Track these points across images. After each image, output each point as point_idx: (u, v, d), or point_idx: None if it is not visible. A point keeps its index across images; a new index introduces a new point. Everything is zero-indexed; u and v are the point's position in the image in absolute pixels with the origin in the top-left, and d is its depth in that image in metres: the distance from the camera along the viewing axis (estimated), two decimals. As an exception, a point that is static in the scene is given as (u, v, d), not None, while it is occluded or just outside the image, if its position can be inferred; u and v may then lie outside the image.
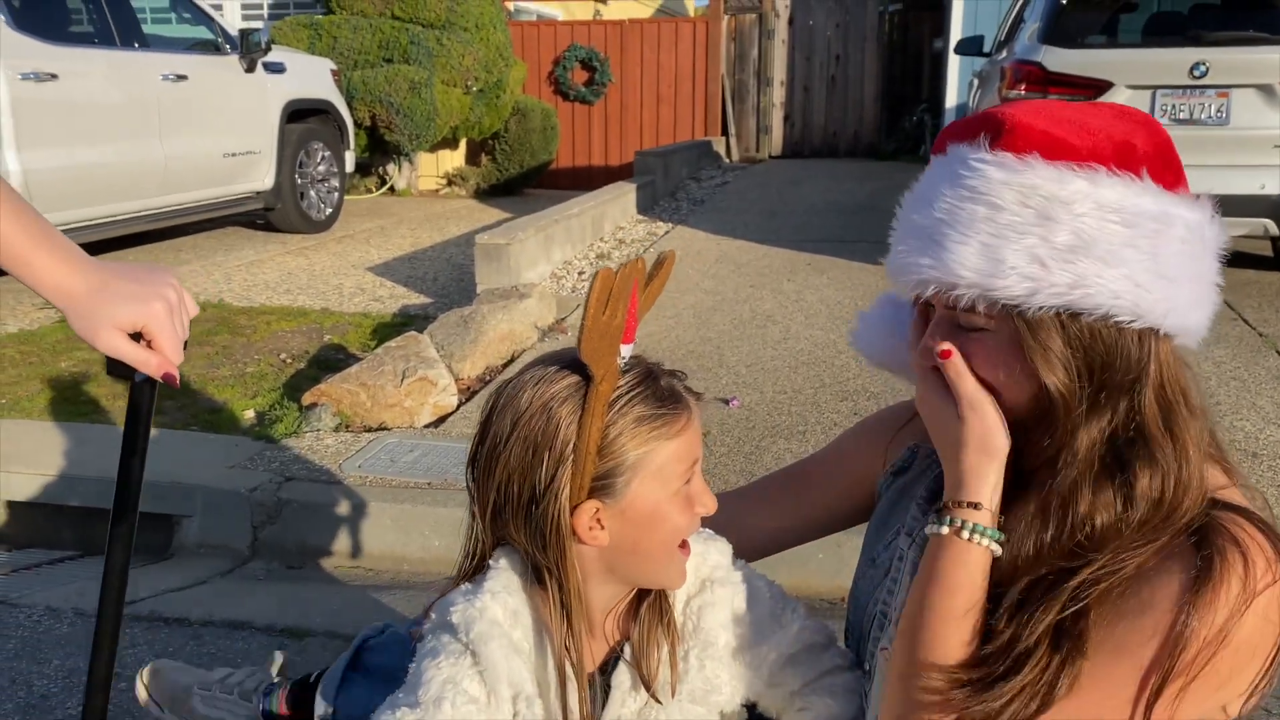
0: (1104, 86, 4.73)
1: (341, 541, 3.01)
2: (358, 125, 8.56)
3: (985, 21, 9.82)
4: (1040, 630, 0.92)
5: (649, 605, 1.07)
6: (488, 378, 4.18)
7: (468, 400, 3.91)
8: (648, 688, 1.04)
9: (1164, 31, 5.07)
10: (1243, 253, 5.78)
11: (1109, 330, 0.91)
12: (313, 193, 7.52)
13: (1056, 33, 4.94)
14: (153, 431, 3.42)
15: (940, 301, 0.98)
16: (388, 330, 5.01)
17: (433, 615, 1.07)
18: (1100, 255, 0.89)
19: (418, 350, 3.99)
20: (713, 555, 1.11)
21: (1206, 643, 0.87)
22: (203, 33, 6.77)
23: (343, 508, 3.05)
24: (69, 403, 3.98)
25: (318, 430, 3.54)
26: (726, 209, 8.12)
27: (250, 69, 6.75)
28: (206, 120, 6.40)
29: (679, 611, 1.08)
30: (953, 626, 0.95)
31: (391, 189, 10.21)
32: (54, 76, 5.33)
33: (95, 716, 1.13)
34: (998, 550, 0.96)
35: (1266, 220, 4.64)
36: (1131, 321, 0.91)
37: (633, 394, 0.99)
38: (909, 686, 0.96)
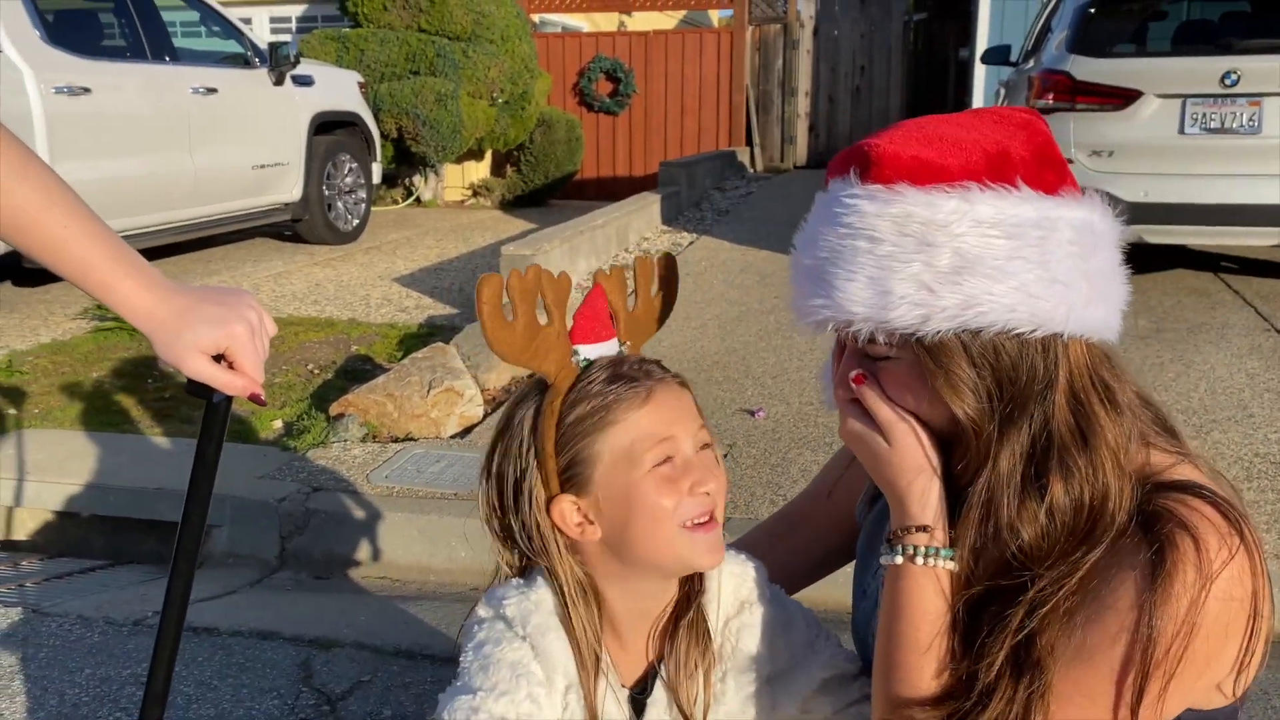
0: (1133, 95, 4.70)
1: (368, 552, 3.02)
2: (385, 137, 8.63)
3: (1011, 31, 9.78)
4: (999, 662, 0.90)
5: (686, 625, 1.06)
6: (512, 388, 4.19)
7: (493, 411, 3.91)
8: (682, 710, 1.04)
9: (1194, 40, 5.03)
10: (1274, 262, 5.71)
11: (1011, 343, 0.90)
12: (340, 204, 7.58)
13: (1084, 42, 4.91)
14: (182, 441, 3.44)
15: (844, 337, 0.98)
16: (414, 341, 5.03)
17: (480, 608, 1.07)
18: (987, 272, 0.88)
19: (444, 361, 4.01)
20: (750, 577, 1.10)
21: (1175, 636, 0.85)
22: (232, 46, 6.85)
23: (370, 518, 3.06)
24: (100, 413, 4.02)
25: (345, 441, 3.56)
26: (751, 219, 8.12)
27: (279, 82, 6.82)
28: (236, 133, 6.47)
29: (716, 632, 1.07)
30: (923, 658, 0.94)
31: (418, 200, 10.28)
32: (87, 90, 5.40)
33: None
34: (954, 567, 0.95)
35: (1299, 230, 4.59)
36: (1032, 331, 0.90)
37: (586, 386, 0.99)
38: None
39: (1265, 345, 4.36)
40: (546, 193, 10.87)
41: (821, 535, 1.29)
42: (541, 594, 1.03)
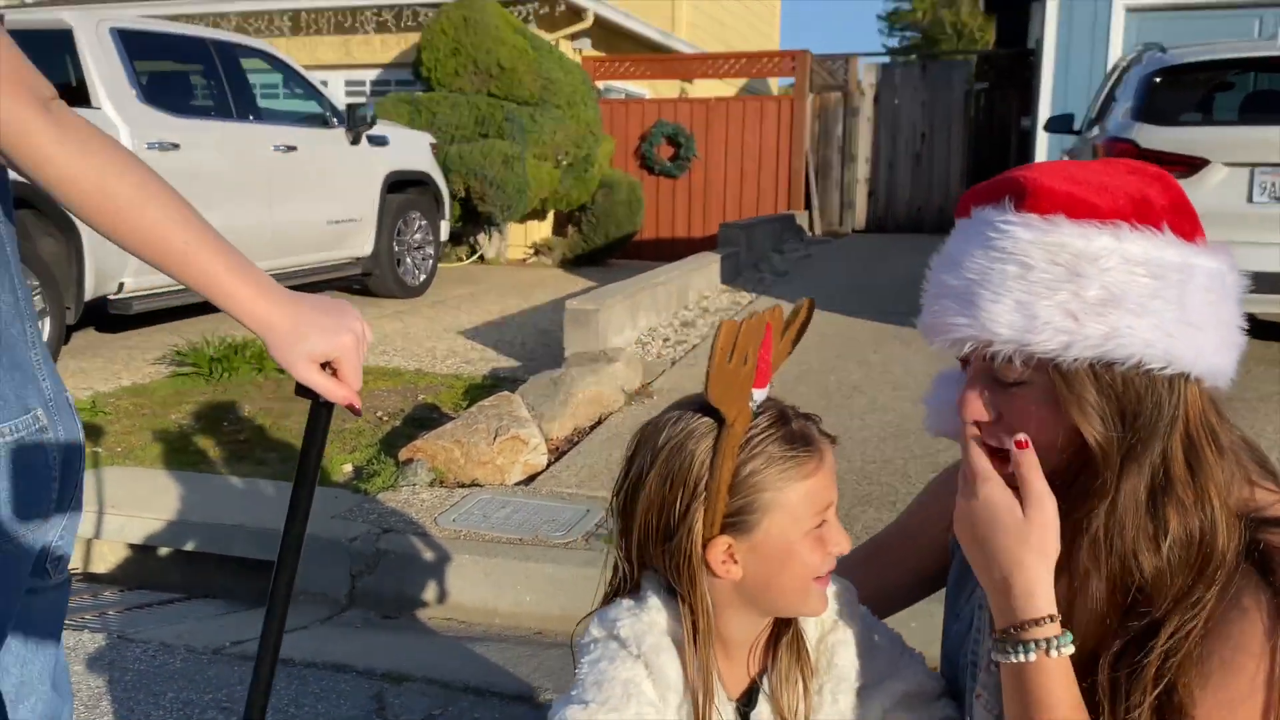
0: (1200, 164, 4.71)
1: (436, 593, 3.08)
2: (453, 196, 8.87)
3: (1073, 100, 9.83)
4: (1146, 716, 0.92)
5: (787, 642, 1.11)
6: (575, 439, 4.26)
7: (556, 460, 3.98)
8: (784, 719, 1.08)
9: (1261, 109, 5.03)
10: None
11: (1140, 378, 0.94)
12: (409, 259, 7.79)
13: (1150, 110, 4.94)
14: (257, 481, 3.54)
15: (978, 357, 1.01)
16: (478, 391, 5.13)
17: (592, 628, 1.12)
18: (1131, 307, 0.93)
19: (510, 410, 4.09)
20: (843, 599, 1.15)
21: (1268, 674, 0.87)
22: (312, 107, 7.14)
23: (437, 560, 3.13)
24: (179, 452, 4.16)
25: (414, 485, 3.64)
26: (810, 280, 8.17)
27: (355, 141, 7.08)
28: (313, 189, 6.71)
29: (813, 648, 1.12)
30: None
31: (481, 257, 10.50)
32: (176, 146, 5.67)
33: None
34: (1073, 649, 0.96)
35: (1371, 298, 4.52)
36: (1164, 368, 0.93)
37: (766, 435, 1.04)
38: None
39: (1340, 413, 4.28)
40: (606, 252, 11.05)
41: (912, 564, 1.33)
42: (654, 616, 1.08)
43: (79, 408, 4.51)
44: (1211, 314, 0.96)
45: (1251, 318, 4.39)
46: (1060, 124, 7.11)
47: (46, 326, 5.04)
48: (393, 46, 11.38)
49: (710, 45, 15.15)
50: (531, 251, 11.15)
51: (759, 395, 1.05)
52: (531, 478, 3.81)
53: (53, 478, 1.15)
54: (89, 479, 3.78)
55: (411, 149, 7.84)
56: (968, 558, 1.03)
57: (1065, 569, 0.98)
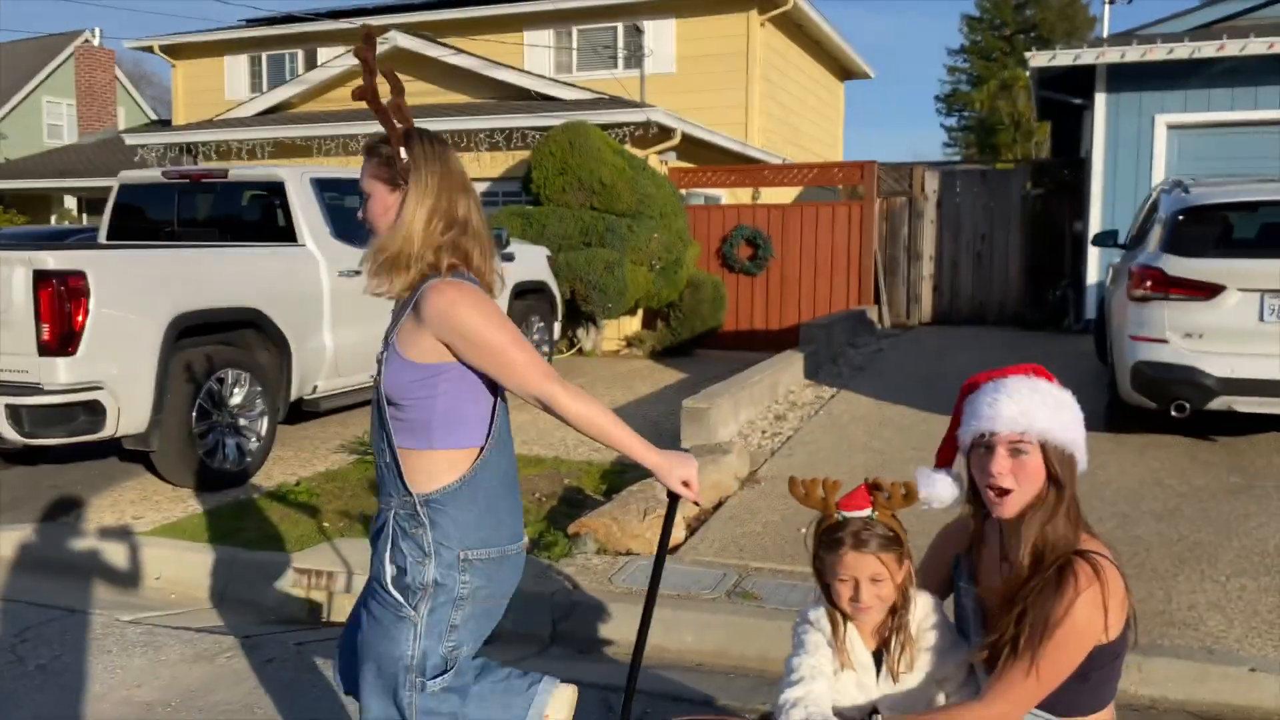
0: (1218, 289, 5.64)
1: (617, 634, 4.06)
2: (560, 298, 10.04)
3: (1122, 205, 10.78)
4: (1008, 638, 1.96)
5: (895, 625, 2.09)
6: (704, 517, 5.26)
7: (692, 534, 4.98)
8: (892, 669, 2.08)
9: (1270, 244, 5.96)
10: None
11: (1074, 461, 2.00)
12: (529, 357, 8.92)
13: (1176, 243, 5.90)
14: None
15: (1006, 441, 2.02)
16: (611, 476, 6.16)
17: (800, 616, 2.14)
18: (1076, 432, 2.03)
19: (653, 494, 5.11)
20: (932, 605, 2.14)
21: (1060, 617, 1.89)
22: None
23: (616, 611, 4.12)
24: (389, 526, 5.23)
25: (586, 553, 4.67)
26: (885, 375, 9.13)
27: (490, 259, 8.27)
28: (457, 301, 7.88)
29: (915, 628, 2.11)
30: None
31: (579, 350, 11.64)
32: (358, 273, 6.86)
33: None
34: None
35: (1369, 404, 5.39)
36: (1081, 461, 2.01)
37: (830, 530, 2.12)
38: None
39: (1339, 500, 5.13)
40: (692, 344, 12.13)
41: (934, 583, 2.31)
42: (821, 610, 2.14)
43: (289, 492, 5.76)
44: (1084, 441, 2.04)
45: (1268, 416, 5.59)
46: (1106, 239, 8.06)
47: (264, 423, 6.20)
48: (501, 162, 12.75)
49: (779, 145, 16.39)
50: (624, 343, 12.28)
51: (847, 512, 2.09)
52: (675, 548, 4.81)
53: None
54: (328, 550, 4.87)
55: (533, 261, 9.04)
56: None
57: (1007, 559, 2.00)
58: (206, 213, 7.31)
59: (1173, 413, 5.80)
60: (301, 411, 7.06)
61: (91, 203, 21.62)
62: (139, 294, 5.38)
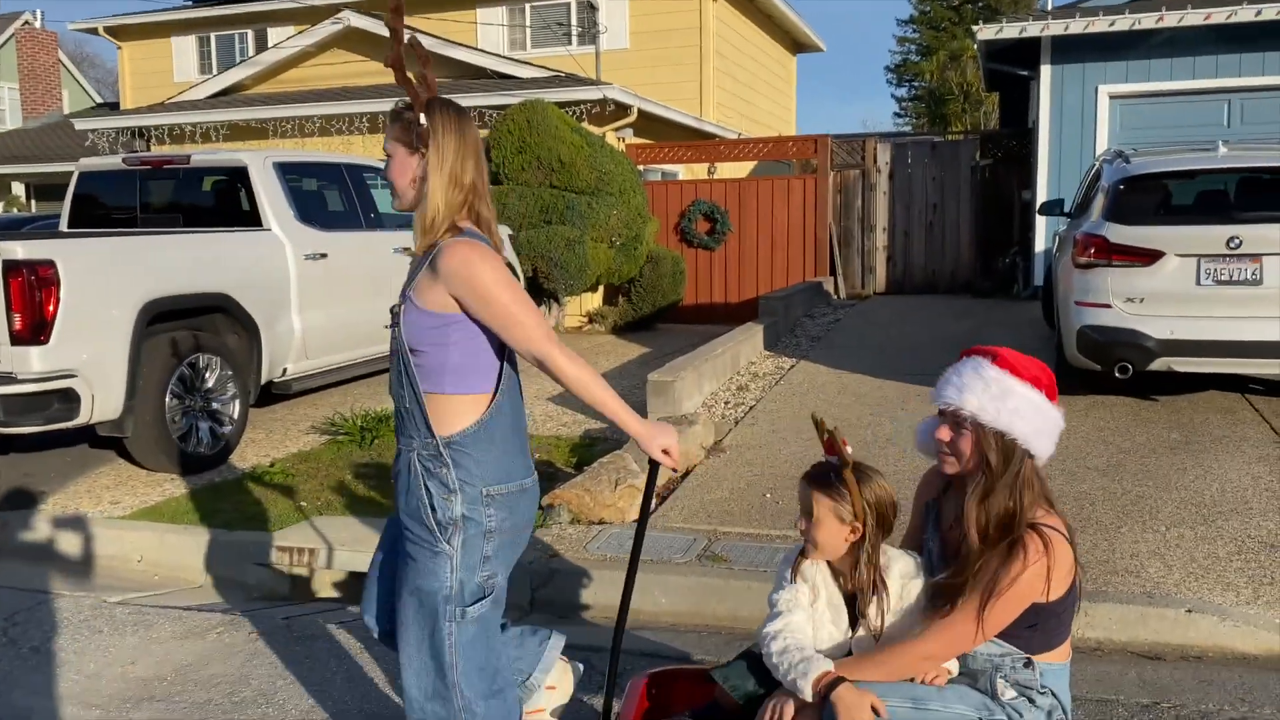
0: (1157, 255, 5.91)
1: (594, 599, 4.24)
2: (522, 276, 10.14)
3: (1067, 174, 11.08)
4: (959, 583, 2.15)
5: (868, 582, 2.28)
6: (672, 487, 5.44)
7: (661, 503, 5.16)
8: (864, 616, 2.27)
9: (1206, 210, 6.23)
10: (1295, 385, 6.77)
11: (1017, 445, 2.16)
12: (494, 336, 9.02)
13: (1117, 211, 6.15)
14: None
15: (951, 412, 2.21)
16: (580, 449, 6.33)
17: (784, 556, 2.33)
18: (1023, 417, 2.17)
19: (624, 465, 5.28)
20: (913, 562, 2.33)
21: (1008, 582, 2.09)
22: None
23: (592, 576, 4.30)
24: (363, 502, 5.37)
25: (560, 524, 4.84)
26: (842, 345, 9.37)
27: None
28: (422, 281, 7.96)
29: (895, 584, 2.28)
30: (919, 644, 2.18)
31: (542, 327, 11.74)
32: (324, 255, 6.95)
33: None
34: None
35: (1298, 361, 5.70)
36: (1024, 445, 2.17)
37: None
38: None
39: (1272, 455, 5.43)
40: (654, 318, 12.29)
41: (915, 533, 2.52)
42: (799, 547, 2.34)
43: (264, 473, 5.88)
44: (1049, 431, 2.19)
45: (1206, 375, 5.92)
46: (1052, 208, 8.33)
47: (236, 406, 6.28)
48: (458, 141, 12.75)
49: (734, 120, 16.55)
50: (586, 320, 12.42)
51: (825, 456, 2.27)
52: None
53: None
54: (307, 528, 5.00)
55: (495, 241, 9.11)
56: None
57: (959, 528, 2.19)
58: (169, 199, 7.32)
59: (1116, 374, 6.08)
60: (272, 394, 7.14)
61: (40, 188, 21.25)
62: (109, 281, 5.43)
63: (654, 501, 5.18)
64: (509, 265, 2.43)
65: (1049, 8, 12.77)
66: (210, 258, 6.17)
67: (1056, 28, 11.02)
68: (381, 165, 3.18)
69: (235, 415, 6.26)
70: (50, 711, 3.34)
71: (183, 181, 7.27)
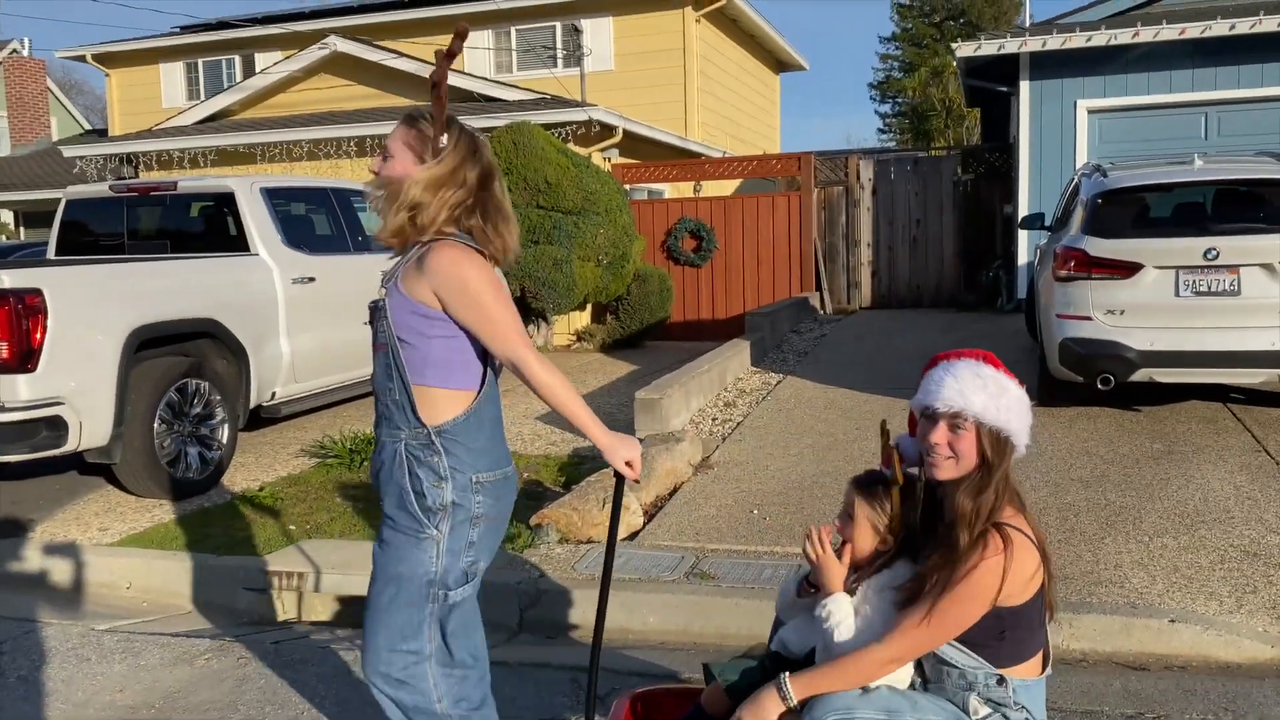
0: (1137, 267, 5.98)
1: (582, 619, 4.26)
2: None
3: (1048, 188, 11.19)
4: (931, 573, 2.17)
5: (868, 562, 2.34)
6: (660, 504, 5.47)
7: (649, 520, 5.19)
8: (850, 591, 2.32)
9: (1183, 223, 6.31)
10: (1274, 393, 6.84)
11: (1009, 441, 2.20)
12: (482, 356, 9.06)
13: (1096, 225, 6.23)
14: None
15: (948, 414, 2.23)
16: (569, 468, 6.35)
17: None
18: (1016, 414, 2.21)
19: (611, 483, 5.31)
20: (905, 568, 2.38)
21: (960, 577, 2.11)
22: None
23: (580, 596, 4.31)
24: (354, 526, 5.38)
25: (548, 543, 4.85)
26: (828, 360, 9.42)
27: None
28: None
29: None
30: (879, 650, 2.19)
31: (531, 347, 11.77)
32: (312, 279, 6.97)
33: None
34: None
35: (1277, 371, 5.76)
36: (1015, 441, 2.21)
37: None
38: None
39: (1253, 464, 5.48)
40: (641, 336, 12.33)
41: None
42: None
43: (254, 497, 5.91)
44: (1029, 425, 2.24)
45: (1188, 385, 6.01)
46: (1033, 222, 8.41)
47: (225, 431, 6.29)
48: (445, 163, 12.80)
49: (718, 139, 16.65)
50: (575, 338, 12.45)
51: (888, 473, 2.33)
52: (634, 534, 5.02)
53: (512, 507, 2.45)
54: (296, 552, 5.00)
55: (482, 262, 9.14)
56: None
57: (942, 520, 2.21)
58: (156, 225, 7.34)
59: (1099, 385, 6.14)
60: (260, 418, 7.14)
61: (29, 216, 21.24)
62: (96, 309, 5.45)
63: (642, 520, 5.23)
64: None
65: (1027, 23, 12.91)
66: (198, 283, 6.19)
67: (1034, 44, 11.15)
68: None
69: (224, 440, 6.27)
70: (39, 740, 3.34)
71: (170, 208, 7.29)
